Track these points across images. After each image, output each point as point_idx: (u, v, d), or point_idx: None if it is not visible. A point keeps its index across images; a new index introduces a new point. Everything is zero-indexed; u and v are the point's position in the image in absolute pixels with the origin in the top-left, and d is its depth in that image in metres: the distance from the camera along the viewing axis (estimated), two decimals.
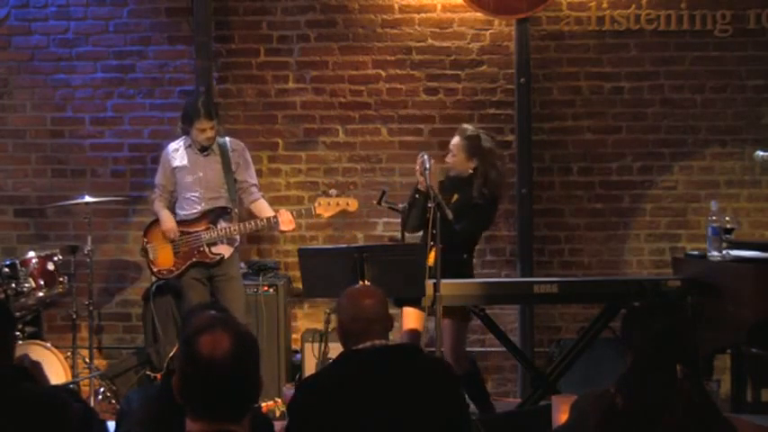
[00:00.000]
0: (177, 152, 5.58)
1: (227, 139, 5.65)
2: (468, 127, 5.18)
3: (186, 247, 5.50)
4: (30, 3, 6.45)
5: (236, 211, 5.54)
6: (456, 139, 5.08)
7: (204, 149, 5.51)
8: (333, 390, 2.95)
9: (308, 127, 6.46)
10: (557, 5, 6.31)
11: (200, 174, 5.53)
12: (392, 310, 3.40)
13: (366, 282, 4.40)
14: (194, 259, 5.49)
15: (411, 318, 5.01)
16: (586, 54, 6.38)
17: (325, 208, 5.34)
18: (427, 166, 4.71)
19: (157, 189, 5.66)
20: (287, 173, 6.47)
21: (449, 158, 5.09)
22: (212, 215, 5.50)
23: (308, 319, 6.41)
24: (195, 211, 5.52)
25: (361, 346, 3.04)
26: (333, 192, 5.41)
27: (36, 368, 2.90)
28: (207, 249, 5.48)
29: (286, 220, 5.39)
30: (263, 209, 5.57)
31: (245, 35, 6.44)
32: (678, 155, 6.40)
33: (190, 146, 5.54)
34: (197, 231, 5.49)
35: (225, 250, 5.53)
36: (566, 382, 5.00)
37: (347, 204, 5.36)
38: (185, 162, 5.54)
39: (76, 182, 6.41)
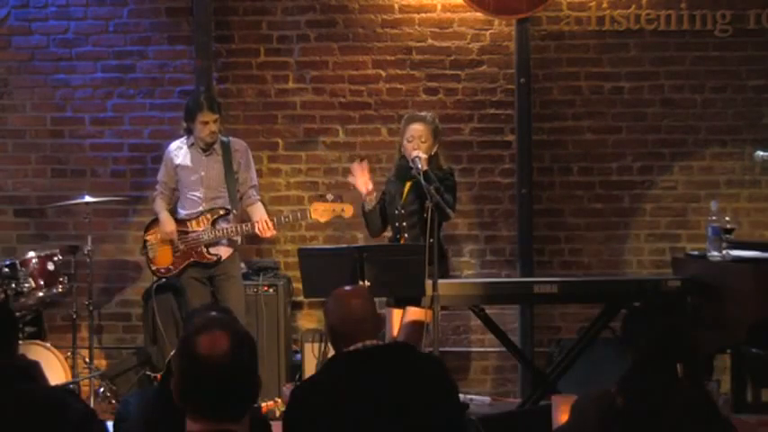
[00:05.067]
0: (180, 150, 5.57)
1: (230, 138, 5.65)
2: (424, 113, 5.20)
3: (185, 247, 5.50)
4: (30, 3, 6.44)
5: (236, 211, 5.53)
6: (420, 126, 5.04)
7: (206, 149, 5.51)
8: (327, 394, 2.93)
9: (308, 127, 6.45)
10: (557, 5, 6.31)
11: (202, 173, 5.52)
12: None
13: (366, 282, 4.40)
14: (192, 259, 5.49)
15: (414, 316, 5.01)
16: (586, 54, 6.38)
17: (321, 213, 5.31)
18: (419, 165, 4.78)
19: (159, 186, 5.65)
20: (287, 173, 6.46)
21: (416, 146, 4.99)
22: (212, 215, 5.50)
23: (308, 319, 6.41)
24: (196, 210, 5.52)
25: (351, 348, 3.03)
26: (329, 196, 5.36)
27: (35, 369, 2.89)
28: (205, 250, 5.48)
29: (262, 229, 5.41)
30: (256, 213, 5.54)
31: (245, 35, 6.44)
32: (678, 155, 6.40)
33: (192, 145, 5.53)
34: (196, 232, 5.49)
35: (223, 251, 5.53)
36: (566, 382, 4.99)
37: (342, 210, 5.30)
38: (188, 161, 5.53)
39: (76, 182, 6.41)
